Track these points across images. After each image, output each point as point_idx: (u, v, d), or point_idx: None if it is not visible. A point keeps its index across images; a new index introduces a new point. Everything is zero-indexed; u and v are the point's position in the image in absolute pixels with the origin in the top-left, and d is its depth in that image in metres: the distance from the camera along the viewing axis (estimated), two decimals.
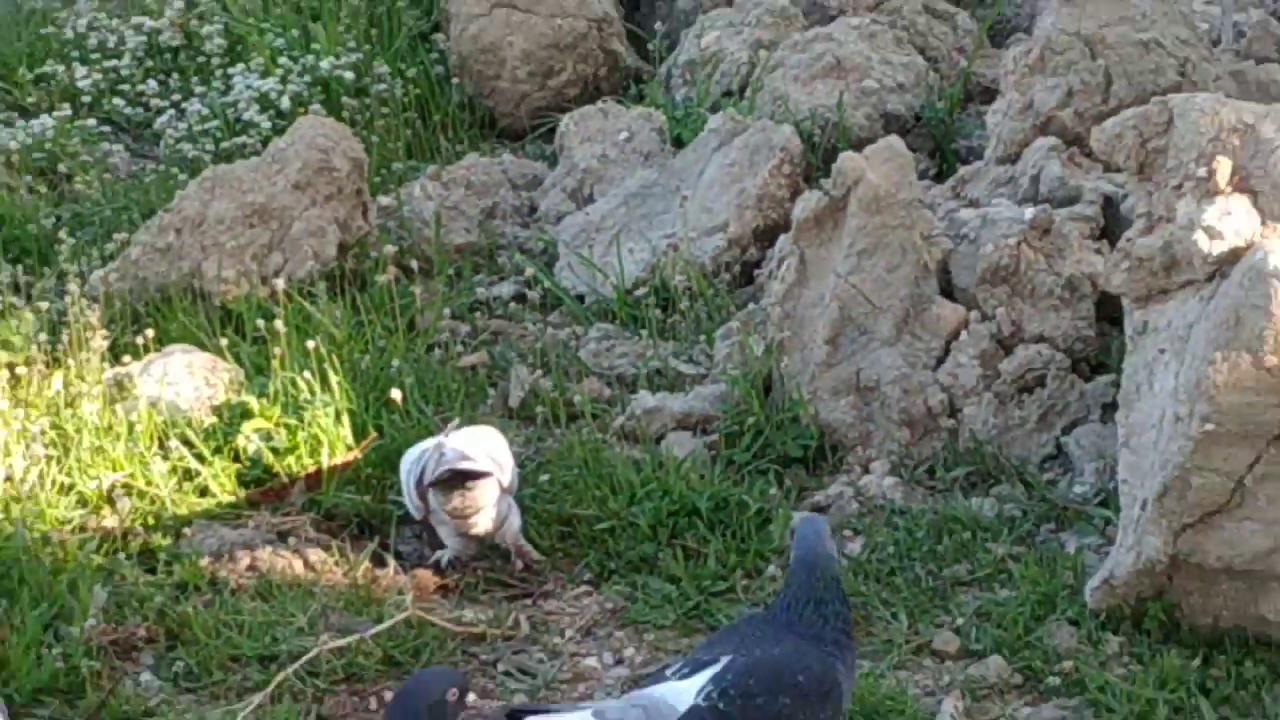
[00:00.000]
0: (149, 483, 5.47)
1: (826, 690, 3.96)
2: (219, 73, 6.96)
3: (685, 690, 3.89)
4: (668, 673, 4.04)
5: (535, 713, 4.19)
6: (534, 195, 7.09)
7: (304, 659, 4.73)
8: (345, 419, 5.78)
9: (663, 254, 6.39)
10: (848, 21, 7.27)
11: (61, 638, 4.98)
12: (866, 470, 5.62)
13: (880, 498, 5.51)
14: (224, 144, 6.80)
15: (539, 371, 6.07)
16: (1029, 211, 5.90)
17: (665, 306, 6.33)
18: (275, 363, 5.91)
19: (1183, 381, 4.80)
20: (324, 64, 7.34)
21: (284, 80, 7.13)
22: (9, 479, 5.49)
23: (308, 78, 7.04)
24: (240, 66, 7.34)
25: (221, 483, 5.59)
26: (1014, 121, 6.51)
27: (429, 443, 5.14)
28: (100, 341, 5.90)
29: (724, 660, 3.98)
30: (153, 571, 5.31)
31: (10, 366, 5.87)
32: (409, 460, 5.20)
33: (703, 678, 3.91)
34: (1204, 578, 4.87)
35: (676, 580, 5.18)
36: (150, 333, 6.02)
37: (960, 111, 7.09)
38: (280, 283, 6.08)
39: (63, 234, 6.88)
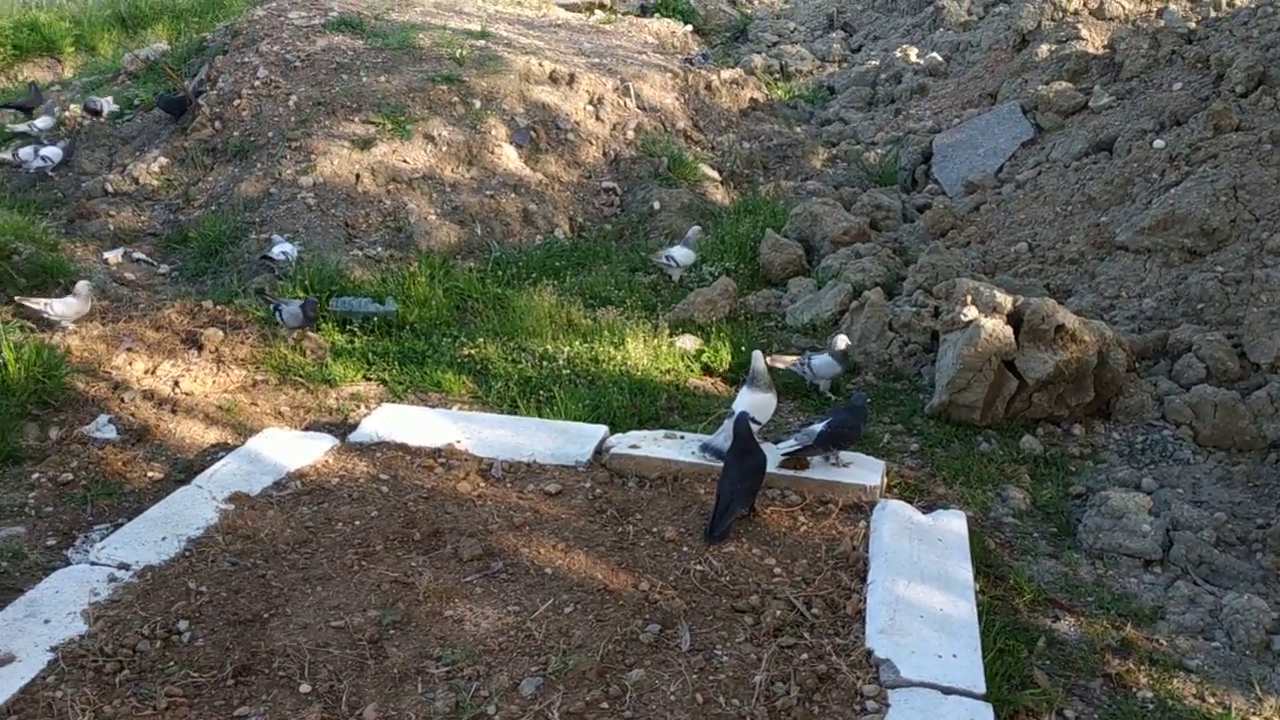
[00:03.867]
0: (675, 367, 6.02)
1: (858, 427, 4.66)
2: None
3: (819, 427, 4.57)
4: (812, 424, 4.69)
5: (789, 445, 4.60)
6: (781, 298, 7.01)
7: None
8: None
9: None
10: (867, 255, 7.17)
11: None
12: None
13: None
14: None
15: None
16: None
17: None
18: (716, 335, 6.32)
19: (955, 352, 5.36)
20: (728, 264, 7.24)
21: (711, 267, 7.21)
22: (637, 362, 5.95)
23: (719, 267, 7.21)
24: (706, 263, 7.41)
25: (698, 372, 6.09)
26: (911, 284, 6.55)
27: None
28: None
29: (830, 418, 4.62)
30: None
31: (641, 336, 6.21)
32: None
33: (823, 422, 4.60)
34: (959, 409, 5.41)
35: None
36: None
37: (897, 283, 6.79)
38: (715, 315, 6.58)
39: None
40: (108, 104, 9.27)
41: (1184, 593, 4.24)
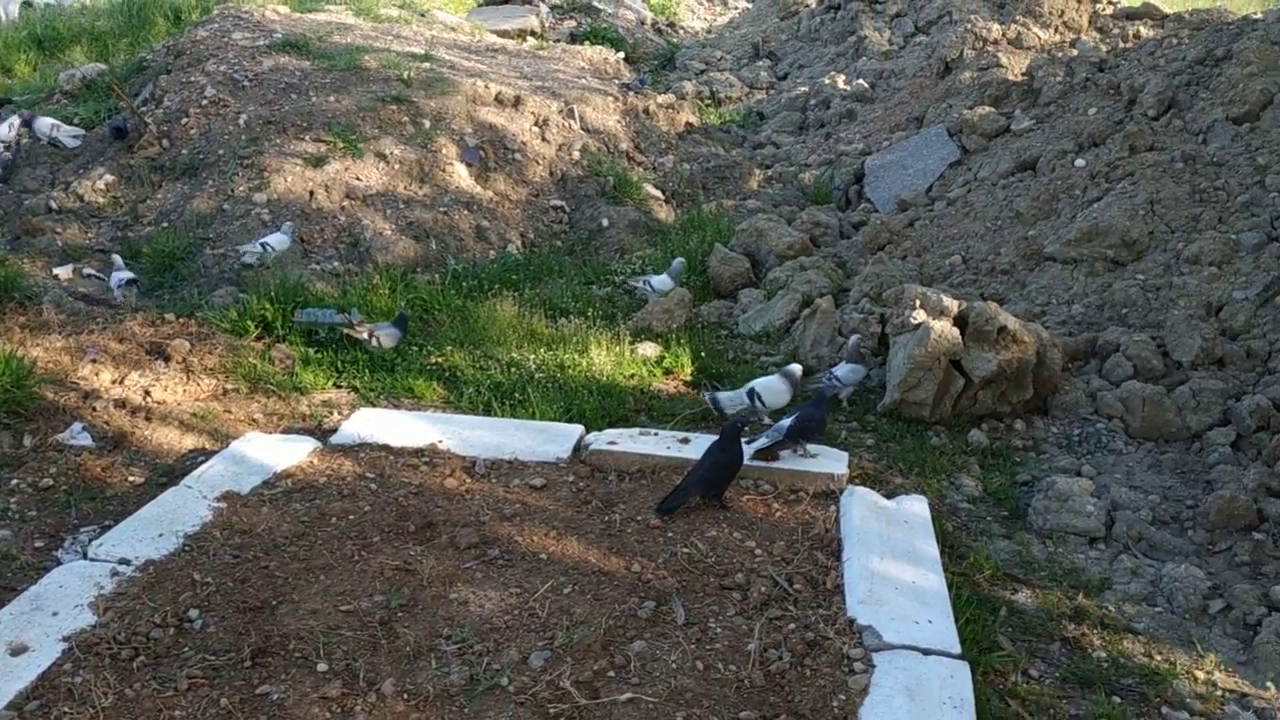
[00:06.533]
0: (638, 373, 6.18)
1: (824, 420, 4.96)
2: None
3: (786, 424, 4.80)
4: (781, 422, 4.88)
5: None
6: (732, 309, 7.28)
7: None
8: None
9: None
10: (811, 267, 7.49)
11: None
12: None
13: None
14: None
15: None
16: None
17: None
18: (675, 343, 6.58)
19: (906, 353, 5.64)
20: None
21: None
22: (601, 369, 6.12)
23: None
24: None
25: (660, 376, 6.19)
26: (857, 293, 7.00)
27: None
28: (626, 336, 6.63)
29: (797, 413, 4.88)
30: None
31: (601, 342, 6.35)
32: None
33: (792, 418, 4.84)
34: (910, 406, 5.70)
35: None
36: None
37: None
38: (673, 324, 6.95)
39: None
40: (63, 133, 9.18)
41: (1127, 565, 4.60)
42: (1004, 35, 10.69)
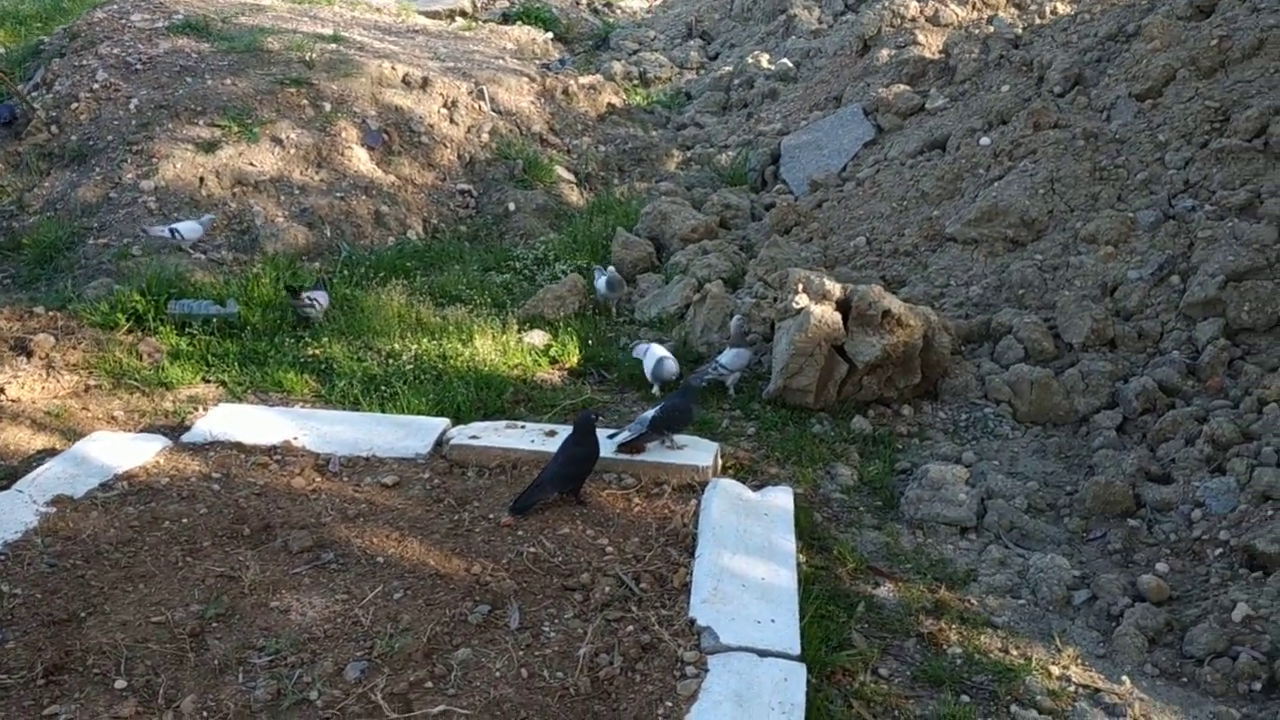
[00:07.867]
0: (523, 362, 6.02)
1: (689, 410, 4.86)
2: None
3: (649, 415, 4.70)
4: (646, 413, 4.82)
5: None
6: (632, 294, 7.12)
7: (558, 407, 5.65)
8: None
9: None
10: (714, 251, 7.38)
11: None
12: None
13: None
14: None
15: None
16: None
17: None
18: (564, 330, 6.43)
19: (788, 339, 5.47)
20: (580, 263, 7.45)
21: (564, 265, 7.80)
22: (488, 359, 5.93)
23: (572, 265, 7.43)
24: (559, 261, 7.59)
25: (545, 365, 6.10)
26: (752, 276, 6.77)
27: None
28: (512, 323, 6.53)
29: (662, 404, 4.79)
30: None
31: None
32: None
33: (655, 409, 4.75)
34: (794, 393, 5.54)
35: None
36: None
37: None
38: (564, 311, 6.85)
39: None
40: None
41: (995, 556, 4.45)
42: (922, 12, 10.53)
